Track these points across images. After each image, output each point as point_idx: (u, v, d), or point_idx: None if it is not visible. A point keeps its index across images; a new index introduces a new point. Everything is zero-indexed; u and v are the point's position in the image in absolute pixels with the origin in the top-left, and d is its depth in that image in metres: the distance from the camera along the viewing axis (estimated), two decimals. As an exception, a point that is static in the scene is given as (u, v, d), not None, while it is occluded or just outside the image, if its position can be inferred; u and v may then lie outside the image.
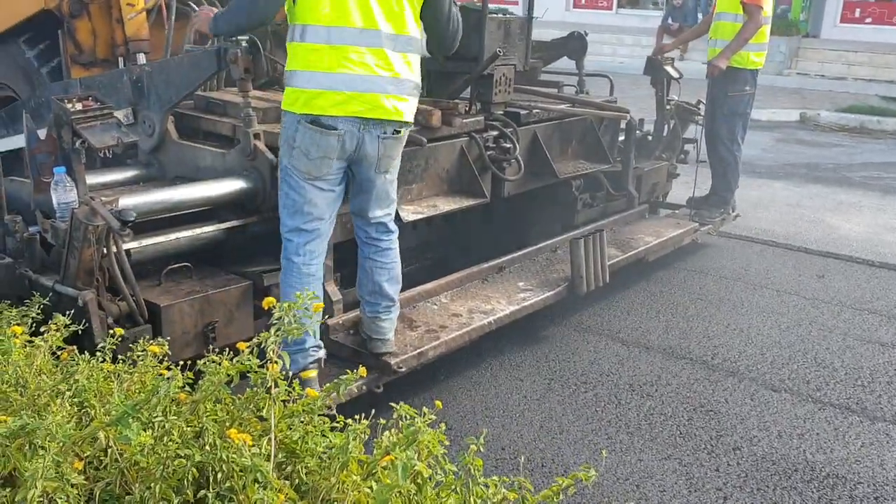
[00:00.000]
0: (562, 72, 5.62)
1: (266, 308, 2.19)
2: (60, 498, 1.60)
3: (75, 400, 1.98)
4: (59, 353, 2.34)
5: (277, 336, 2.02)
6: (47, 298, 2.72)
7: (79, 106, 3.03)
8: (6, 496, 1.66)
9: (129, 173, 3.82)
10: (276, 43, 5.00)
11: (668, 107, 5.77)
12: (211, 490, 1.68)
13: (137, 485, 1.73)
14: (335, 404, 2.14)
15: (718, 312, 4.68)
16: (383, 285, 3.29)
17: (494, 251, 4.51)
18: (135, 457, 1.75)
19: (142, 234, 3.19)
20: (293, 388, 2.05)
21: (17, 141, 4.07)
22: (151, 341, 2.38)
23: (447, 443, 1.89)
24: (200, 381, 2.09)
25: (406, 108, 3.05)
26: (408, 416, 1.89)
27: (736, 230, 6.24)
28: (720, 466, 3.16)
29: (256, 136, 3.45)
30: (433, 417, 1.87)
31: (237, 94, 3.48)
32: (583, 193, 5.14)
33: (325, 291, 3.37)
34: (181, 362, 2.09)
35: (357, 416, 1.92)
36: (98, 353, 2.28)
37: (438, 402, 2.00)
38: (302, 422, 1.99)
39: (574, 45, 5.46)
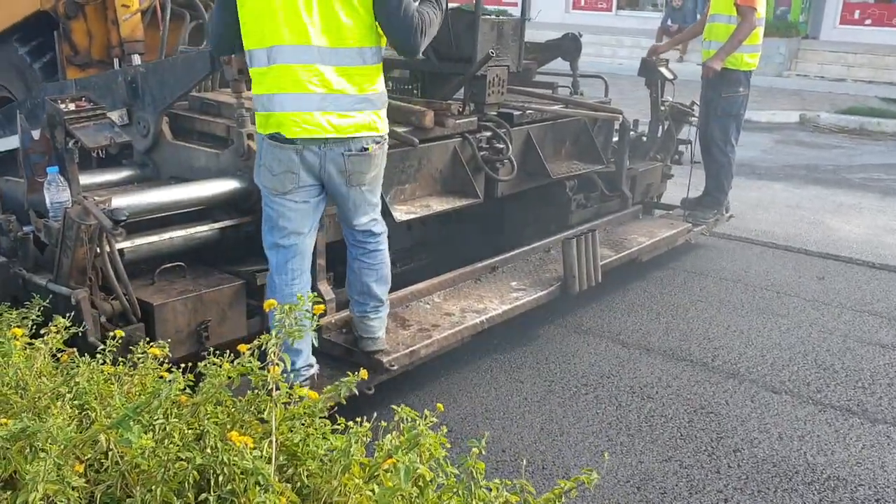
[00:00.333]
0: (557, 73, 5.63)
1: (267, 310, 2.19)
2: (61, 501, 1.60)
3: (76, 402, 1.98)
4: (59, 355, 2.34)
5: (278, 338, 2.02)
6: (40, 297, 2.73)
7: (72, 106, 3.07)
8: (7, 499, 1.66)
9: (124, 173, 3.84)
10: None
11: (662, 108, 5.79)
12: (212, 493, 1.68)
13: (138, 488, 1.73)
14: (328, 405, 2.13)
15: (719, 314, 4.68)
16: (371, 286, 3.29)
17: (489, 252, 4.53)
18: (136, 459, 1.75)
19: (135, 234, 3.21)
20: (294, 391, 2.05)
21: (13, 141, 4.08)
22: (152, 344, 2.38)
23: (448, 445, 1.89)
24: (201, 384, 2.09)
25: (348, 123, 2.93)
26: (409, 419, 1.89)
27: (736, 232, 6.24)
28: (721, 468, 3.16)
29: (250, 136, 3.47)
30: (434, 420, 1.87)
31: (231, 94, 3.50)
32: (577, 194, 5.16)
33: (318, 291, 3.40)
34: (182, 364, 2.07)
35: (358, 419, 1.92)
36: (98, 356, 2.28)
37: (440, 405, 2.00)
38: (303, 424, 1.98)
39: (568, 46, 5.49)
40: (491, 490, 1.78)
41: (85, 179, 3.51)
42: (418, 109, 3.93)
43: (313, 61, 2.87)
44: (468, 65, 4.16)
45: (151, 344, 2.37)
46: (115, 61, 4.24)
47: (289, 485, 1.76)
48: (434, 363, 3.88)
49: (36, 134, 3.15)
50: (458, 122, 4.11)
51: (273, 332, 2.04)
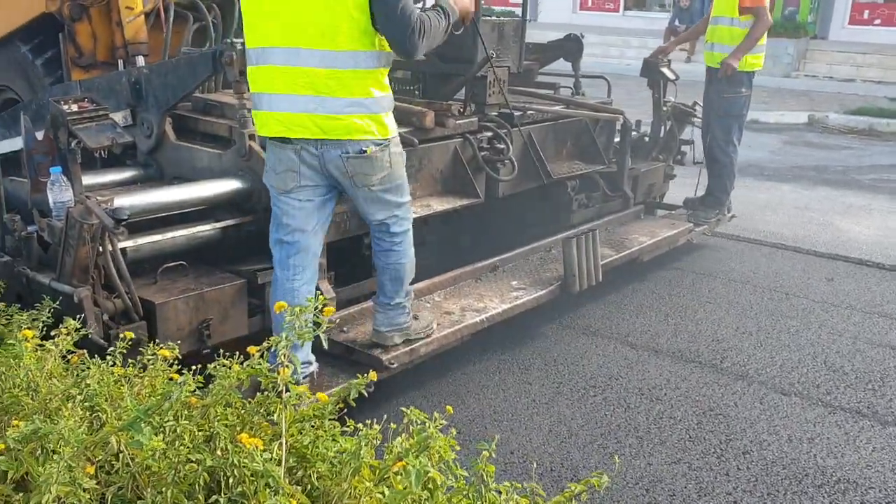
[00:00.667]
0: (559, 73, 5.63)
1: (277, 312, 2.19)
2: (73, 502, 1.60)
3: (86, 404, 1.98)
4: (69, 356, 2.35)
5: (288, 340, 2.02)
6: (44, 296, 2.75)
7: (75, 107, 3.10)
8: (20, 500, 1.67)
9: (127, 174, 3.87)
10: None
11: (664, 108, 5.80)
12: (223, 495, 1.68)
13: (149, 489, 1.73)
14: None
15: (727, 316, 4.67)
16: (384, 283, 3.36)
17: (490, 251, 4.54)
18: (146, 461, 1.75)
19: (138, 234, 3.24)
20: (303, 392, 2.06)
21: (19, 142, 4.11)
22: (161, 345, 2.39)
23: (458, 448, 1.89)
24: (210, 385, 2.10)
25: (338, 126, 2.94)
26: (418, 421, 1.89)
27: (744, 233, 6.22)
28: (730, 471, 3.15)
29: (251, 136, 3.50)
30: (444, 422, 1.87)
31: (233, 95, 3.54)
32: (578, 194, 5.17)
33: (319, 288, 3.42)
34: (192, 367, 2.08)
35: (368, 421, 1.92)
36: (108, 357, 2.28)
37: (449, 408, 2.00)
38: (312, 426, 1.99)
39: (570, 47, 5.51)
40: (501, 493, 1.78)
41: (89, 179, 3.55)
42: (419, 110, 3.95)
43: (302, 64, 2.89)
44: (469, 65, 4.18)
45: (160, 346, 2.38)
46: (120, 63, 4.27)
47: (299, 487, 1.76)
48: (441, 364, 3.88)
49: (39, 134, 3.18)
50: (458, 122, 4.14)
51: (283, 334, 2.05)
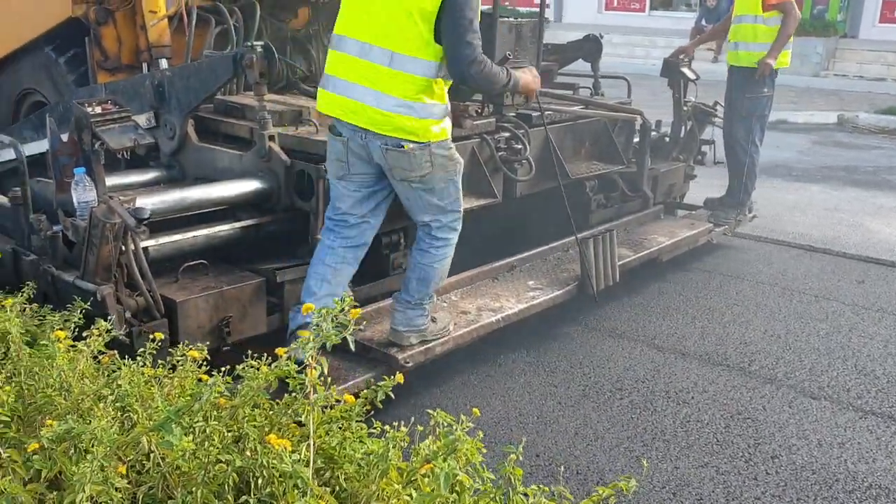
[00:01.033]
0: (578, 74, 5.61)
1: (304, 313, 2.21)
2: (106, 501, 1.63)
3: (118, 404, 2.01)
4: (99, 357, 2.38)
5: (315, 342, 2.03)
6: (68, 294, 2.81)
7: (98, 109, 3.19)
8: (53, 498, 1.70)
9: (151, 175, 3.94)
10: (295, 49, 5.10)
11: (684, 108, 5.76)
12: (252, 496, 1.70)
13: (179, 489, 1.76)
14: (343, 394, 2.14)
15: (755, 318, 4.62)
16: (411, 280, 3.41)
17: (508, 251, 4.54)
18: (176, 461, 1.77)
19: (160, 233, 3.30)
20: (330, 395, 2.07)
21: (46, 144, 4.19)
22: (191, 346, 2.41)
23: (484, 450, 1.89)
24: (239, 386, 2.12)
25: (385, 122, 3.07)
26: (445, 423, 1.89)
27: (772, 234, 6.16)
28: (758, 475, 3.12)
29: (271, 138, 3.56)
30: (471, 425, 1.87)
31: (254, 97, 3.58)
32: (597, 194, 5.15)
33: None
34: (224, 368, 2.10)
35: (395, 423, 1.93)
36: (139, 358, 2.32)
37: (476, 410, 2.00)
38: (340, 427, 2.00)
39: (589, 47, 5.51)
40: (528, 496, 1.77)
41: (114, 180, 3.63)
42: None
43: (370, 59, 3.08)
44: None
45: (190, 346, 2.41)
46: (144, 66, 4.33)
47: (327, 488, 1.77)
48: (466, 366, 3.89)
49: (65, 136, 3.24)
50: (476, 122, 4.15)
51: (310, 336, 2.06)
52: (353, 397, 2.08)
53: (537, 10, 4.70)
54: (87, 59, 4.37)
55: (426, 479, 1.71)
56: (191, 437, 1.81)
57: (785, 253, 5.82)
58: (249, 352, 2.26)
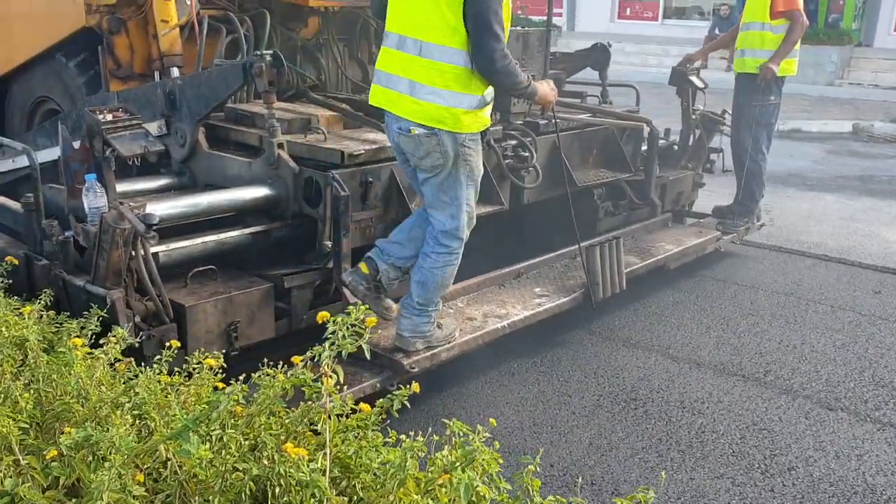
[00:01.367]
0: (587, 82, 5.62)
1: (320, 322, 2.21)
2: (123, 509, 1.63)
3: (135, 412, 2.02)
4: (116, 364, 2.39)
5: (331, 350, 2.03)
6: (78, 298, 2.82)
7: (110, 117, 3.25)
8: (72, 506, 1.70)
9: (162, 181, 3.98)
10: (305, 57, 5.14)
11: (693, 116, 5.77)
12: (269, 504, 1.70)
13: (196, 498, 1.76)
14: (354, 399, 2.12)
15: (771, 328, 4.59)
16: (413, 284, 3.46)
17: (515, 258, 4.54)
18: (194, 469, 1.78)
19: (170, 239, 3.32)
20: (346, 404, 2.07)
21: (59, 151, 4.23)
22: (207, 354, 2.42)
23: (501, 461, 1.88)
24: (256, 394, 2.12)
25: (418, 110, 3.19)
26: (461, 433, 1.89)
27: (787, 244, 6.12)
28: (775, 487, 3.09)
29: (280, 145, 3.61)
30: (487, 435, 1.86)
31: (263, 105, 3.62)
32: (605, 202, 5.15)
33: (343, 294, 3.51)
34: (241, 376, 2.10)
35: (411, 432, 1.92)
36: (155, 366, 2.32)
37: (493, 420, 2.00)
38: (356, 436, 2.00)
39: (597, 56, 5.53)
40: (545, 507, 1.77)
41: (126, 187, 3.69)
42: None
43: (406, 50, 3.20)
44: None
45: (206, 354, 2.41)
46: (156, 74, 4.37)
47: (343, 497, 1.77)
48: (480, 375, 3.88)
49: (77, 143, 3.28)
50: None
51: (326, 345, 2.06)
52: (368, 406, 2.08)
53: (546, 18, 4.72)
54: (100, 68, 4.41)
55: (444, 490, 1.71)
56: (208, 446, 1.81)
57: (800, 262, 5.79)
58: (266, 360, 2.27)
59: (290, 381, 2.08)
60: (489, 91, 3.28)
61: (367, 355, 2.22)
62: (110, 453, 1.71)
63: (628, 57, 17.21)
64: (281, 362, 2.23)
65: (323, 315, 2.25)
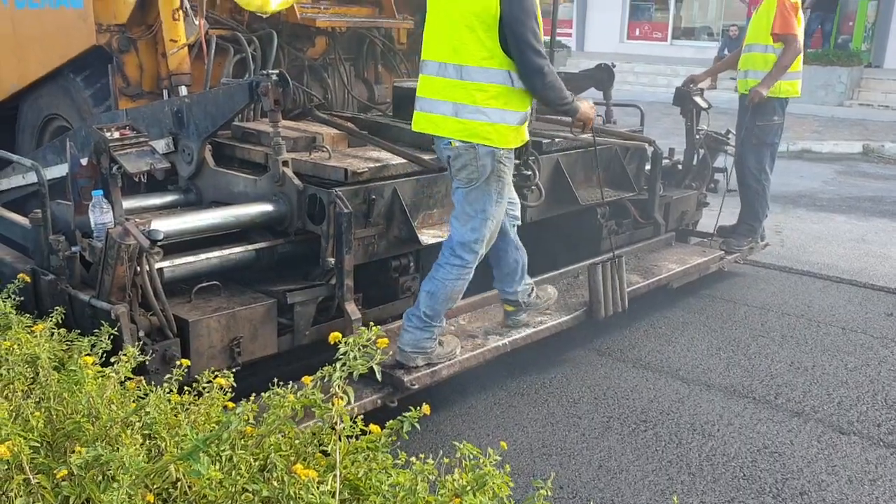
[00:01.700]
0: (594, 102, 5.64)
1: (332, 343, 2.21)
2: (133, 530, 1.63)
3: (145, 431, 2.02)
4: (126, 382, 2.39)
5: (342, 371, 2.03)
6: (84, 312, 2.83)
7: (117, 134, 3.28)
8: (81, 526, 1.70)
9: (169, 198, 4.02)
10: (312, 77, 5.19)
11: (697, 136, 5.80)
12: (278, 526, 1.69)
13: (206, 518, 1.75)
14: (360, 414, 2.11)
15: (781, 350, 4.57)
16: (422, 293, 3.54)
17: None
18: (203, 490, 1.77)
19: (174, 255, 3.35)
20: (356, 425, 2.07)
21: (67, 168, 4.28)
22: (216, 374, 2.42)
23: (512, 484, 1.87)
24: (265, 414, 2.12)
25: (463, 129, 3.35)
26: (472, 456, 1.88)
27: (797, 265, 6.10)
28: (787, 512, 3.06)
29: (285, 163, 3.64)
30: (498, 458, 1.85)
31: (269, 124, 3.66)
32: (608, 221, 5.16)
33: (345, 311, 3.52)
34: (252, 396, 2.10)
35: (422, 455, 1.92)
36: (165, 385, 2.32)
37: (503, 444, 1.99)
38: (366, 458, 1.99)
39: (601, 76, 5.55)
40: (556, 531, 1.75)
41: (134, 203, 3.73)
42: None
43: (445, 75, 3.37)
44: None
45: (216, 374, 2.41)
46: (165, 92, 4.41)
47: (353, 520, 1.76)
48: (489, 396, 3.87)
49: (84, 160, 3.32)
50: None
51: (337, 365, 2.06)
52: (378, 427, 2.07)
53: (559, 38, 4.74)
54: (110, 86, 4.46)
55: (454, 513, 1.70)
56: (218, 466, 1.81)
57: (811, 284, 5.76)
58: (276, 379, 2.27)
59: (301, 401, 2.08)
60: (529, 108, 3.47)
61: (379, 377, 2.22)
62: (120, 473, 1.71)
63: (638, 77, 17.25)
64: (290, 382, 2.23)
65: (335, 335, 2.25)
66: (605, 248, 5.05)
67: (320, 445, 2.06)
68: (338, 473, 1.81)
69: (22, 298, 3.06)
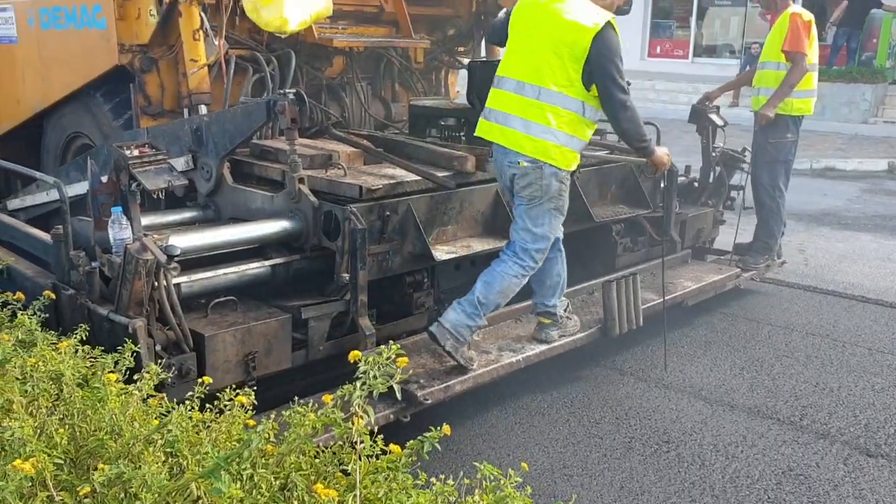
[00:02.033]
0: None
1: (351, 361, 2.21)
2: (154, 548, 1.63)
3: (167, 449, 2.03)
4: (148, 400, 2.41)
5: (363, 390, 2.03)
6: (102, 327, 2.88)
7: (136, 152, 3.36)
8: (103, 544, 1.71)
9: (188, 214, 4.08)
10: (330, 96, 5.25)
11: (713, 154, 5.78)
12: (298, 546, 1.69)
13: (226, 537, 1.75)
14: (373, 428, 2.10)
15: (806, 370, 4.51)
16: (479, 281, 3.72)
17: (531, 293, 4.49)
18: (224, 509, 1.77)
19: (193, 270, 3.40)
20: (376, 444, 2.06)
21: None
22: (238, 392, 2.43)
23: (532, 505, 1.86)
24: (286, 433, 2.12)
25: (529, 144, 3.57)
26: (492, 477, 1.87)
27: (822, 284, 6.03)
28: (813, 536, 3.01)
29: (301, 180, 3.69)
30: (519, 480, 1.84)
31: (286, 142, 3.71)
32: (623, 238, 5.14)
33: (359, 326, 3.55)
34: (273, 413, 2.11)
35: (442, 476, 1.91)
36: (187, 402, 2.34)
37: (525, 465, 1.97)
38: (386, 478, 1.98)
39: None
40: (577, 554, 1.73)
41: (154, 219, 3.79)
42: (460, 155, 4.12)
43: (523, 94, 3.58)
44: None
45: (237, 392, 2.42)
46: (185, 111, 4.48)
47: (373, 540, 1.75)
48: (509, 416, 3.85)
49: (104, 177, 3.37)
50: None
51: (357, 384, 2.07)
52: (398, 447, 2.07)
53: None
54: (132, 105, 4.54)
55: (475, 535, 1.69)
56: (239, 485, 1.81)
57: (836, 304, 5.69)
58: (296, 398, 2.27)
59: (321, 419, 2.08)
60: (589, 140, 3.75)
61: (399, 395, 2.22)
62: (143, 491, 1.71)
63: (659, 94, 17.20)
64: (307, 398, 2.23)
65: (355, 354, 2.26)
66: (620, 265, 5.04)
67: (340, 465, 2.06)
68: (358, 493, 1.80)
69: (47, 315, 3.10)
